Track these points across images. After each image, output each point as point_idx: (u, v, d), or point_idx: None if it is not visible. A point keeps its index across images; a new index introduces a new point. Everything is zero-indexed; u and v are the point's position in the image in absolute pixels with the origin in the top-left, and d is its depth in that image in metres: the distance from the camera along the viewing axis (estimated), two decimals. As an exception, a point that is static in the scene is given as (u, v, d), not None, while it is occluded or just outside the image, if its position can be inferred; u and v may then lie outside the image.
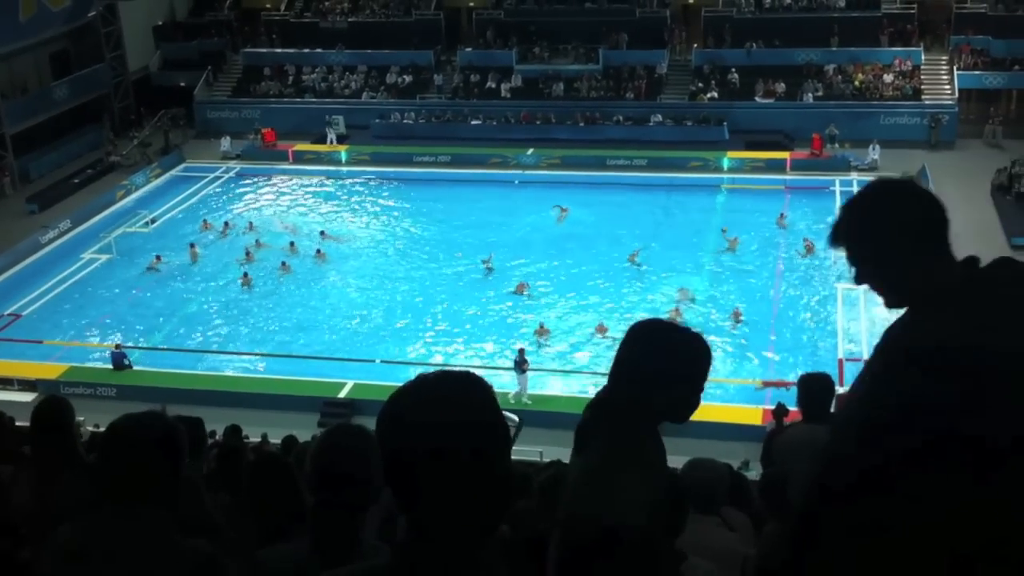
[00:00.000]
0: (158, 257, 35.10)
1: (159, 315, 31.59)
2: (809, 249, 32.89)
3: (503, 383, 25.70)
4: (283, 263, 34.01)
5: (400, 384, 2.12)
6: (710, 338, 27.99)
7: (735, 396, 26.05)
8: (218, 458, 7.98)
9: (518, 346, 27.06)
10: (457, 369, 2.14)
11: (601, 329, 29.02)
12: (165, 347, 29.72)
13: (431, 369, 2.17)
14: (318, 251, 35.08)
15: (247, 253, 34.57)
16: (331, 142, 45.63)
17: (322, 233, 36.63)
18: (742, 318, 29.36)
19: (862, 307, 29.90)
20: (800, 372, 7.75)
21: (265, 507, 4.69)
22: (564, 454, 14.94)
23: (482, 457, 2.01)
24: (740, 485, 7.87)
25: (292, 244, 35.48)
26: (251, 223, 37.46)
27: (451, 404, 2.03)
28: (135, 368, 27.97)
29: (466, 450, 1.99)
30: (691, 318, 29.17)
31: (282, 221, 37.60)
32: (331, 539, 3.48)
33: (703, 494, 5.38)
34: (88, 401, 24.64)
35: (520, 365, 25.96)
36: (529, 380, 26.11)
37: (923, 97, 43.55)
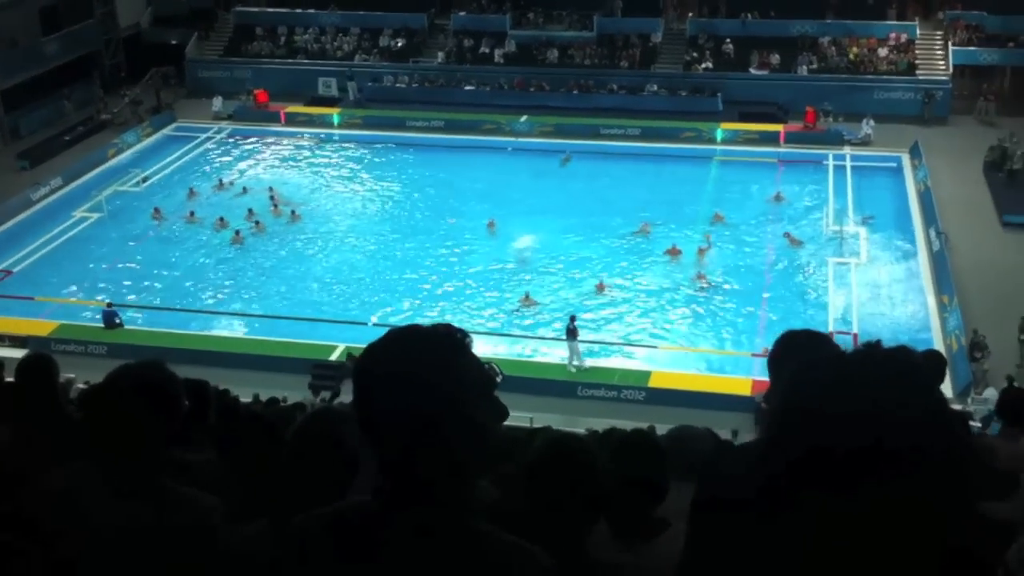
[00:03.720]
0: (157, 210, 35.25)
1: (150, 274, 31.50)
2: (793, 242, 32.67)
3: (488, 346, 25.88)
4: (256, 222, 34.15)
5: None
6: (698, 309, 28.28)
7: (725, 367, 26.24)
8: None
9: (571, 314, 27.04)
10: (427, 324, 2.14)
11: (601, 287, 29.38)
12: (156, 306, 29.68)
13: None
14: (292, 212, 35.19)
15: (256, 221, 34.45)
16: (353, 96, 45.75)
17: (271, 189, 36.87)
18: (707, 282, 29.72)
19: (853, 280, 30.08)
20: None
21: (248, 470, 4.68)
22: (554, 420, 15.01)
23: (455, 408, 2.01)
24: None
25: (275, 206, 35.59)
26: (244, 188, 37.30)
27: (421, 358, 2.03)
28: (126, 327, 27.92)
29: (438, 402, 1.99)
30: (679, 284, 29.38)
31: (271, 187, 37.39)
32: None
33: (687, 459, 5.32)
34: (79, 358, 24.62)
35: (572, 332, 25.97)
36: (579, 346, 26.13)
37: (917, 72, 43.55)
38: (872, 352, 1.50)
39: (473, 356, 2.09)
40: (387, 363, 2.04)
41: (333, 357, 26.29)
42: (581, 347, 26.19)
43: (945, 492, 1.39)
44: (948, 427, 1.43)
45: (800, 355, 6.55)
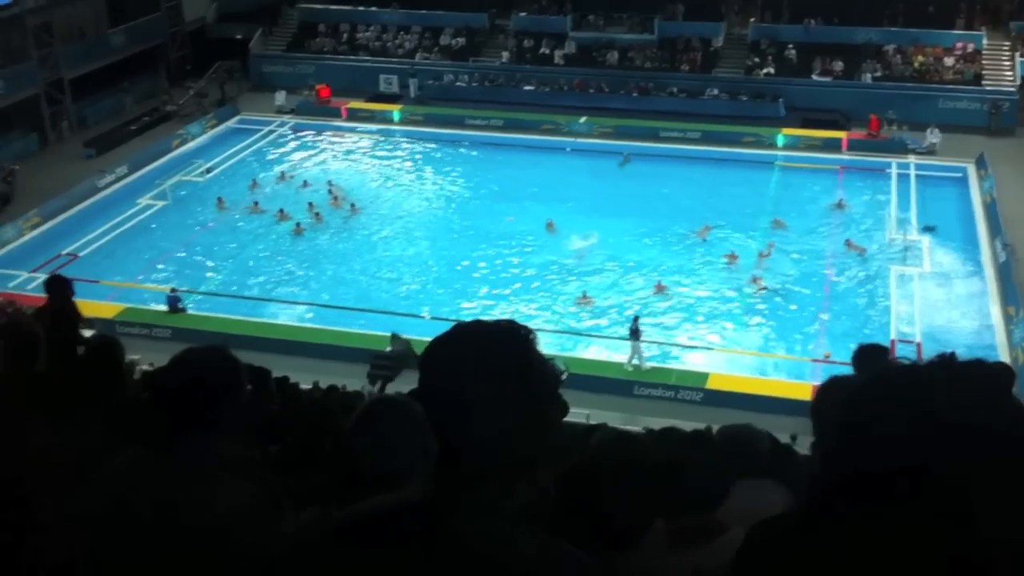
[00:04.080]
0: (221, 199, 35.82)
1: (213, 261, 31.95)
2: (854, 248, 32.31)
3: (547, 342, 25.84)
4: (316, 214, 34.54)
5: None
6: (757, 314, 28.07)
7: (784, 371, 26.06)
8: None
9: (634, 315, 27.07)
10: (494, 318, 2.13)
11: (659, 288, 29.43)
12: (218, 292, 30.06)
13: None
14: (352, 206, 35.53)
15: (316, 213, 34.76)
16: (413, 94, 46.14)
17: (330, 183, 37.21)
18: (763, 286, 29.56)
19: (916, 290, 29.73)
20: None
21: (302, 456, 4.68)
22: (611, 418, 15.01)
23: (522, 402, 2.02)
24: (788, 459, 7.65)
25: (335, 199, 35.97)
26: (305, 181, 37.66)
27: (488, 350, 2.03)
28: (189, 312, 28.30)
29: (507, 396, 2.00)
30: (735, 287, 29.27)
31: (331, 181, 37.70)
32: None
33: (744, 455, 5.13)
34: (143, 341, 25.01)
35: (635, 333, 25.95)
36: (641, 346, 26.06)
37: (983, 82, 42.96)
38: (947, 364, 1.46)
39: (539, 351, 2.09)
40: (454, 355, 2.04)
41: (390, 348, 26.44)
42: (639, 347, 26.11)
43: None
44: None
45: (868, 367, 6.49)
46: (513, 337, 2.07)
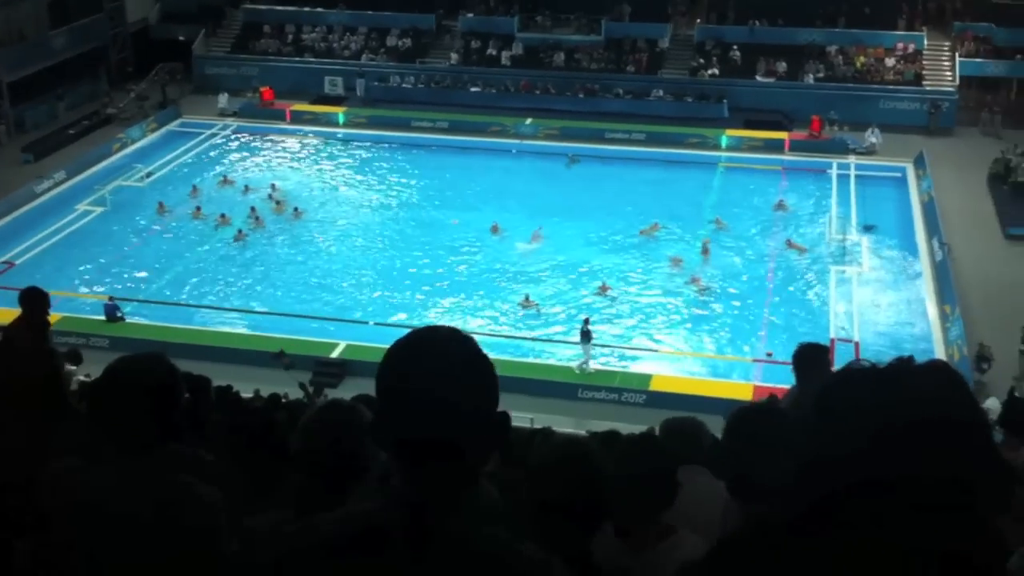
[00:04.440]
0: (161, 204, 35.41)
1: (153, 269, 31.56)
2: (795, 247, 32.66)
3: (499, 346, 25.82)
4: (256, 218, 34.32)
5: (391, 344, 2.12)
6: (700, 313, 28.25)
7: (726, 371, 26.26)
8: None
9: (583, 316, 27.06)
10: (436, 327, 2.14)
11: (604, 289, 29.49)
12: (158, 300, 29.70)
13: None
14: (295, 209, 35.26)
15: (255, 217, 34.48)
16: (360, 94, 45.94)
17: (272, 187, 36.98)
18: (703, 286, 29.80)
19: (855, 289, 30.07)
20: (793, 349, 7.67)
21: (253, 467, 4.69)
22: (555, 421, 14.99)
23: (479, 411, 2.05)
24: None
25: (277, 203, 35.76)
26: (247, 186, 37.31)
27: (448, 361, 2.04)
28: (127, 320, 27.93)
29: (470, 406, 2.02)
30: (678, 288, 29.43)
31: (274, 184, 37.40)
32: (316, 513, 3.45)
33: (687, 444, 5.36)
34: (80, 351, 24.62)
35: (585, 335, 25.91)
36: (591, 350, 26.05)
37: (924, 83, 43.52)
38: (909, 369, 1.47)
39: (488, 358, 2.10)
40: (414, 368, 2.04)
41: (334, 355, 26.28)
42: (588, 349, 26.11)
43: (988, 512, 1.37)
44: (995, 452, 1.41)
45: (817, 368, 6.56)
46: (469, 344, 2.09)
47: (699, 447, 5.40)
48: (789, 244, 32.50)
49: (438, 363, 2.04)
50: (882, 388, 1.46)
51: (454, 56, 47.47)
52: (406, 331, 2.17)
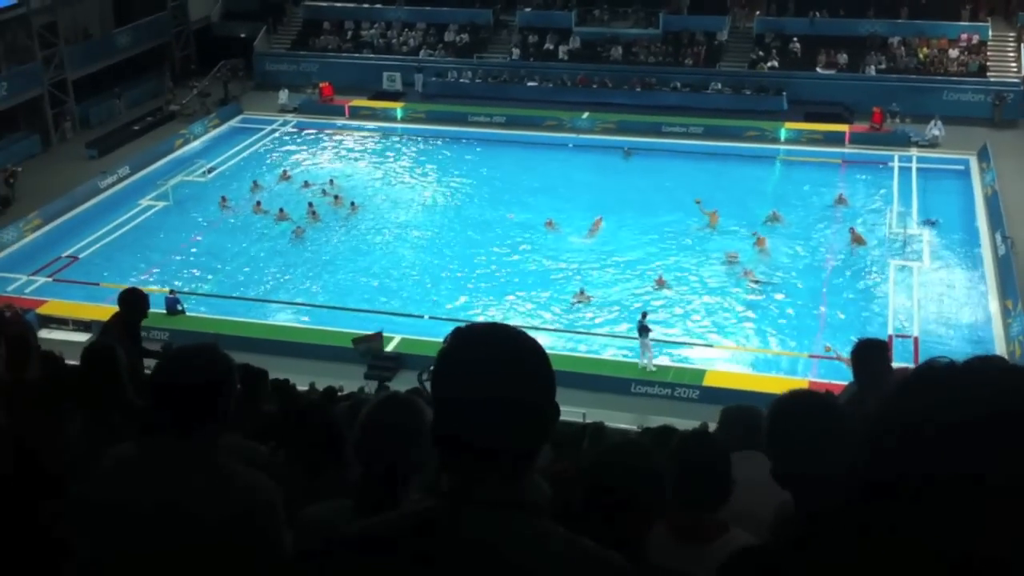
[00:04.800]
0: (224, 198, 35.94)
1: (214, 263, 32.01)
2: (858, 240, 32.26)
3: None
4: (313, 212, 34.67)
5: (448, 335, 2.13)
6: (756, 308, 27.96)
7: (782, 366, 25.99)
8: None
9: (642, 311, 26.83)
10: (489, 324, 2.15)
11: (660, 282, 29.48)
12: (218, 294, 30.13)
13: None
14: (352, 204, 35.58)
15: (312, 212, 34.85)
16: (418, 89, 46.19)
17: (331, 182, 37.30)
18: (755, 279, 29.58)
19: (915, 284, 29.60)
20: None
21: (308, 459, 4.76)
22: (607, 416, 14.99)
23: (535, 405, 2.05)
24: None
25: (336, 197, 36.06)
26: (306, 181, 37.67)
27: (503, 356, 2.05)
28: (188, 313, 28.39)
29: (520, 406, 2.02)
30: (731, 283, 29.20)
31: (332, 180, 37.74)
32: (374, 506, 3.51)
33: (744, 428, 5.43)
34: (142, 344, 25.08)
35: (643, 329, 25.79)
36: (650, 344, 25.85)
37: (988, 74, 42.67)
38: (985, 368, 1.45)
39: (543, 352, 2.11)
40: (471, 361, 2.05)
41: (389, 348, 26.49)
42: (648, 344, 25.97)
43: None
44: None
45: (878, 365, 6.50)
46: (525, 339, 2.09)
47: (758, 434, 5.46)
48: (852, 233, 32.04)
49: (492, 355, 2.04)
50: (962, 382, 1.44)
51: (516, 52, 47.42)
52: (459, 324, 2.20)
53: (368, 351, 26.10)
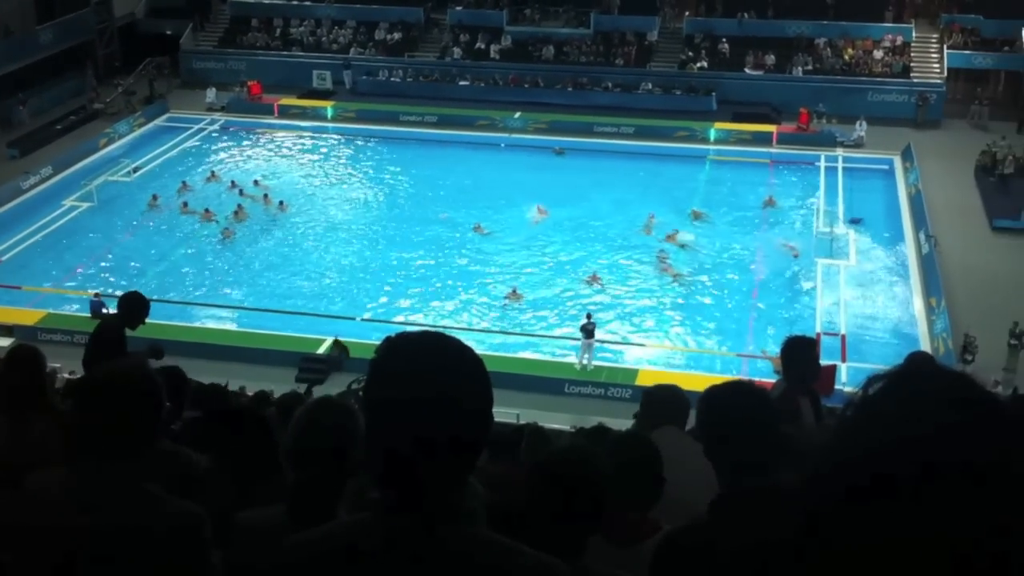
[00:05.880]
0: (155, 196, 35.41)
1: (139, 264, 31.46)
2: (769, 202, 33.74)
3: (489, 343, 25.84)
4: (238, 209, 34.27)
5: (379, 344, 2.08)
6: (685, 308, 28.24)
7: (713, 366, 26.24)
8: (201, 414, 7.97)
9: (586, 313, 26.95)
10: (424, 331, 2.11)
11: (594, 279, 29.71)
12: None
13: (410, 328, 2.18)
14: (280, 203, 35.18)
15: (239, 208, 34.39)
16: (349, 87, 45.91)
17: (255, 182, 36.89)
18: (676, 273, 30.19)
19: (841, 282, 30.10)
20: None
21: (241, 465, 4.69)
22: (541, 416, 14.95)
23: (473, 412, 2.01)
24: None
25: (266, 196, 35.72)
26: (233, 181, 37.09)
27: (445, 363, 2.01)
28: (113, 317, 27.82)
29: (456, 411, 1.97)
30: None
31: (256, 180, 37.25)
32: (309, 512, 3.47)
33: (670, 407, 5.77)
34: (65, 348, 24.55)
35: (588, 331, 25.83)
36: (592, 346, 26.00)
37: (912, 75, 43.55)
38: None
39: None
40: (405, 368, 2.00)
41: (320, 350, 26.25)
42: (590, 345, 26.07)
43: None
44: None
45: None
46: (455, 339, 2.08)
47: (680, 411, 5.78)
48: (785, 245, 32.35)
49: (428, 364, 2.00)
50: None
51: (456, 51, 47.19)
52: (393, 326, 2.16)
53: (338, 357, 25.61)
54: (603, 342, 27.00)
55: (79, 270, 31.24)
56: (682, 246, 31.77)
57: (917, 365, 1.47)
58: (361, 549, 1.99)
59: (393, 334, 2.09)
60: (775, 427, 3.50)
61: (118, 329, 8.47)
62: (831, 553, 1.37)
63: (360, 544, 2.00)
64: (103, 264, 31.61)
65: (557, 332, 27.73)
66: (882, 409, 1.41)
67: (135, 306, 8.53)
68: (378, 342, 2.12)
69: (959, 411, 1.35)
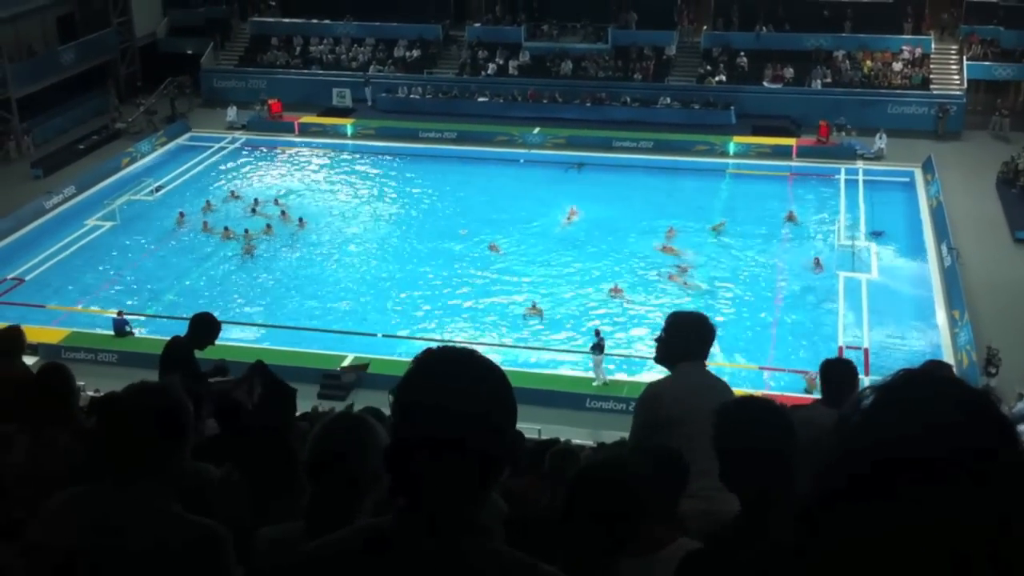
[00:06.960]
0: (182, 214, 35.73)
1: (162, 283, 31.64)
2: (790, 216, 34.03)
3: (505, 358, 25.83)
4: (268, 226, 34.69)
5: (408, 360, 2.13)
6: (717, 318, 28.21)
7: (734, 380, 26.08)
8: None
9: (596, 328, 27.00)
10: (459, 346, 2.17)
11: (616, 291, 29.77)
12: (166, 315, 29.73)
13: (432, 344, 2.21)
14: (300, 220, 35.41)
15: (267, 226, 34.70)
16: (370, 101, 46.17)
17: (275, 201, 37.15)
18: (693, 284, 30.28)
19: (863, 295, 29.96)
20: (805, 358, 7.64)
21: (259, 481, 4.71)
22: (563, 431, 14.96)
23: (497, 436, 2.05)
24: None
25: (283, 213, 36.01)
26: (256, 199, 37.29)
27: (470, 382, 2.05)
28: (136, 335, 28.01)
29: (483, 433, 2.02)
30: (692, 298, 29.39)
31: (276, 199, 37.47)
32: (326, 524, 3.50)
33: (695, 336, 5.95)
34: (89, 366, 24.83)
35: (598, 347, 25.83)
36: (602, 362, 26.00)
37: (931, 87, 43.41)
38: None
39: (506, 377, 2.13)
40: (435, 387, 2.05)
41: (343, 376, 26.26)
42: (601, 361, 26.03)
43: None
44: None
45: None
46: (488, 363, 2.11)
47: (705, 342, 5.94)
48: (807, 259, 32.13)
49: (454, 373, 2.05)
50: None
51: (492, 67, 47.26)
52: (414, 343, 2.20)
53: (355, 379, 25.69)
54: (623, 356, 26.96)
55: (104, 288, 31.43)
56: (687, 272, 31.66)
57: (914, 371, 1.50)
58: (371, 549, 2.03)
59: (435, 346, 2.15)
60: (793, 448, 3.50)
61: (185, 348, 8.51)
62: (831, 553, 1.39)
63: (371, 545, 2.05)
64: (126, 283, 31.79)
65: (579, 344, 27.69)
66: (880, 411, 1.44)
67: (205, 327, 8.63)
68: (398, 358, 2.16)
69: (954, 410, 1.38)
